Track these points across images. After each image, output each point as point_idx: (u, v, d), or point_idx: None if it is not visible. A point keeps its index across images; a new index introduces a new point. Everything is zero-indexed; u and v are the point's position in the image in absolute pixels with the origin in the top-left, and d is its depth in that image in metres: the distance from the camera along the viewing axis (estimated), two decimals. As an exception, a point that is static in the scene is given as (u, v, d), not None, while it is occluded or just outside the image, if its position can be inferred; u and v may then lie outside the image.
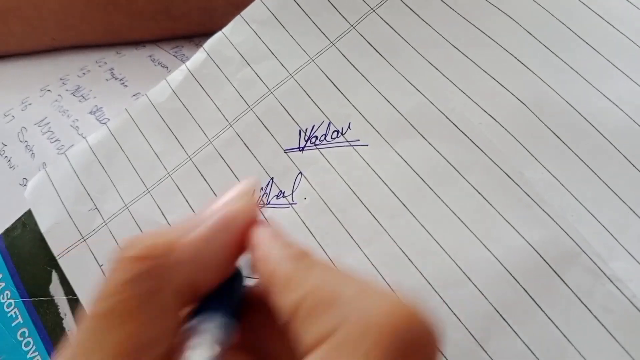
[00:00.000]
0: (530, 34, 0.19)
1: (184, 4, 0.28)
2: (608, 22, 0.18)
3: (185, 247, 0.12)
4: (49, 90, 0.28)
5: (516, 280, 0.16)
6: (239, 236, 0.13)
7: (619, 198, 0.16)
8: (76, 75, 0.29)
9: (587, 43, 0.18)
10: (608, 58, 0.18)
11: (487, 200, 0.17)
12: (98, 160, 0.22)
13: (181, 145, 0.22)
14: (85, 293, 0.20)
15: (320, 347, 0.10)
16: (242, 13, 0.23)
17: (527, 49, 0.19)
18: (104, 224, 0.21)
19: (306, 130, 0.20)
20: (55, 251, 0.21)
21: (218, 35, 0.23)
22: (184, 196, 0.21)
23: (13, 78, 0.30)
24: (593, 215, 0.16)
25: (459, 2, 0.20)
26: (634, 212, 0.16)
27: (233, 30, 0.23)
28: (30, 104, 0.28)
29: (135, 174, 0.22)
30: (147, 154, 0.22)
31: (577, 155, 0.17)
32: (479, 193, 0.17)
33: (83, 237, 0.21)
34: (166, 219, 0.21)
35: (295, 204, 0.19)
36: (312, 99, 0.21)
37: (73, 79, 0.29)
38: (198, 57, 0.23)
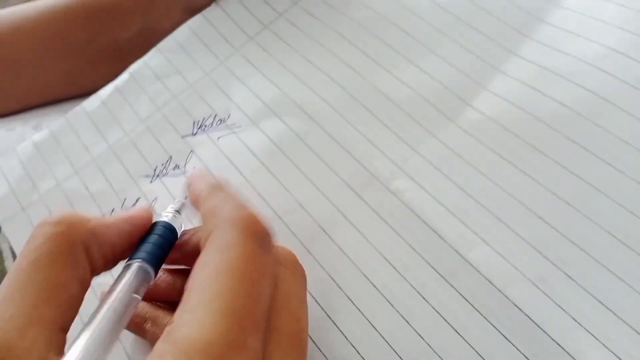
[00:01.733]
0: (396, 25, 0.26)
1: (129, 43, 0.35)
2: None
3: (97, 222, 0.17)
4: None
5: (330, 202, 0.22)
6: (139, 221, 0.18)
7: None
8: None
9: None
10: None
11: (326, 164, 0.24)
12: (40, 151, 0.28)
13: (105, 139, 0.28)
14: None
15: (206, 242, 0.16)
16: (158, 45, 0.31)
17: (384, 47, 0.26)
18: (40, 198, 0.27)
19: (198, 121, 0.27)
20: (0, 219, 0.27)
21: (139, 61, 0.30)
22: (105, 177, 0.27)
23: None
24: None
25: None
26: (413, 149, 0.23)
27: (151, 57, 0.30)
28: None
29: (67, 161, 0.28)
30: (78, 147, 0.28)
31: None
32: (320, 158, 0.24)
33: (23, 208, 0.27)
34: (91, 194, 0.27)
35: (186, 172, 0.26)
36: (204, 99, 0.27)
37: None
38: (124, 76, 0.30)
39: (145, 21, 0.33)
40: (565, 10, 0.26)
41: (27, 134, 0.30)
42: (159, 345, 0.13)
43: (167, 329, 0.14)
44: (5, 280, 0.15)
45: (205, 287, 0.14)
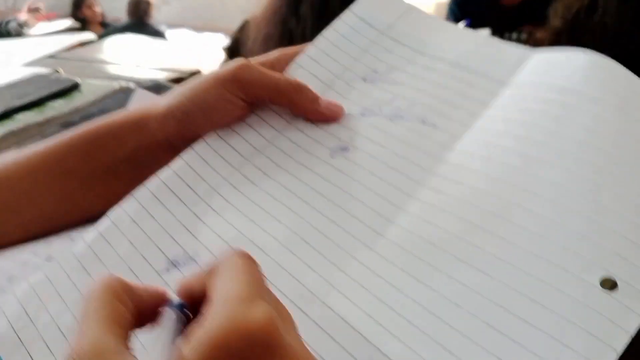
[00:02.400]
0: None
1: (123, 162, 0.40)
2: None
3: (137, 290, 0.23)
4: None
5: None
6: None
7: None
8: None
9: None
10: None
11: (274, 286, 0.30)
12: (34, 290, 0.34)
13: (92, 279, 0.34)
14: None
15: (192, 336, 0.19)
16: (133, 193, 0.37)
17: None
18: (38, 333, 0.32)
19: (171, 259, 0.33)
20: None
21: (117, 208, 0.37)
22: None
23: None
24: None
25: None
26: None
27: (127, 204, 0.37)
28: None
29: (59, 298, 0.33)
30: (69, 287, 0.34)
31: None
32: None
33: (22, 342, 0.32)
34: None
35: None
36: (175, 241, 0.34)
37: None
38: (105, 222, 0.36)
39: (140, 138, 0.40)
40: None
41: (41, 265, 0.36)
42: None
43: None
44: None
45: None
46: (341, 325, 0.28)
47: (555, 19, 0.85)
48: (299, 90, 0.39)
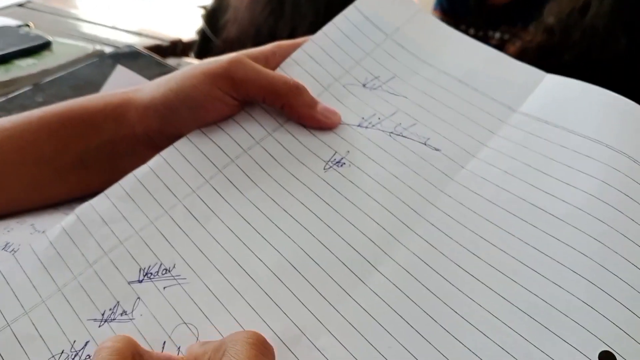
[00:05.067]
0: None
1: (97, 152, 0.37)
2: None
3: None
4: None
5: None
6: None
7: None
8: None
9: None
10: None
11: (261, 318, 0.28)
12: None
13: (54, 281, 0.31)
14: None
15: None
16: (105, 191, 0.34)
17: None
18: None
19: (144, 268, 0.31)
20: None
21: (86, 204, 0.34)
22: (55, 319, 0.29)
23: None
24: None
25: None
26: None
27: (97, 201, 0.34)
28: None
29: (16, 301, 0.30)
30: (28, 288, 0.31)
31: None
32: (256, 312, 0.28)
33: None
34: (40, 335, 0.29)
35: (134, 319, 0.29)
36: (149, 247, 0.31)
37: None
38: (70, 218, 0.33)
39: (117, 129, 0.37)
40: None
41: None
42: None
43: None
44: None
45: None
46: None
47: (550, 16, 0.85)
48: (297, 92, 0.36)
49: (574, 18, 0.81)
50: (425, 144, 0.34)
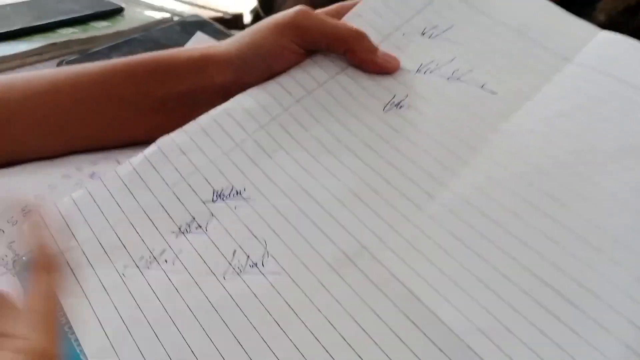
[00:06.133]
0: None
1: (177, 100, 0.40)
2: None
3: None
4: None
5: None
6: None
7: None
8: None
9: None
10: None
11: (324, 233, 0.31)
12: (77, 206, 0.34)
13: (136, 199, 0.34)
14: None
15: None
16: (183, 127, 0.37)
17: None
18: (78, 246, 0.32)
19: (217, 191, 0.34)
20: None
21: (166, 137, 0.37)
22: (136, 231, 0.33)
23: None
24: None
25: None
26: None
27: (176, 135, 0.37)
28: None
29: (102, 216, 0.34)
30: (112, 205, 0.34)
31: None
32: (318, 227, 0.31)
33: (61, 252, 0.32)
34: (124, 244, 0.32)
35: (208, 232, 0.32)
36: (222, 174, 0.34)
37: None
38: (152, 148, 0.36)
39: (198, 79, 0.40)
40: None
41: (83, 181, 0.37)
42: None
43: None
44: None
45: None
46: (392, 282, 0.28)
47: (601, 14, 0.84)
48: (358, 37, 0.38)
49: (625, 17, 0.80)
50: (482, 88, 0.36)
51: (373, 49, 0.38)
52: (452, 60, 0.38)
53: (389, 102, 0.36)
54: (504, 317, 0.26)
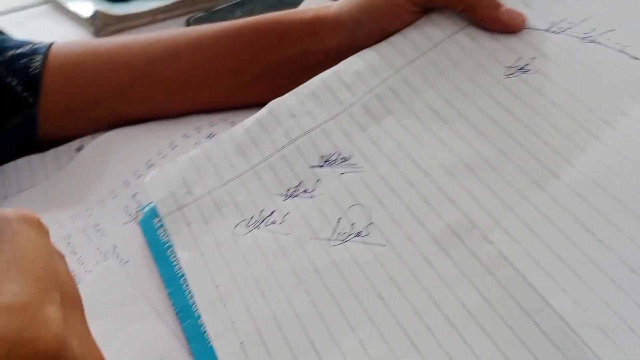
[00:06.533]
0: None
1: (291, 63, 0.40)
2: None
3: None
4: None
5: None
6: None
7: None
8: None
9: None
10: None
11: (433, 209, 0.29)
12: (194, 164, 0.36)
13: (247, 161, 0.35)
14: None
15: None
16: (294, 90, 0.37)
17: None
18: (194, 201, 0.34)
19: (324, 156, 0.33)
20: None
21: (278, 100, 0.37)
22: (247, 191, 0.34)
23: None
24: None
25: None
26: None
27: (287, 98, 0.37)
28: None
29: (216, 175, 0.35)
30: (226, 165, 0.35)
31: None
32: (428, 203, 0.30)
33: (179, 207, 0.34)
34: (235, 203, 0.33)
35: (314, 197, 0.32)
36: (330, 139, 0.34)
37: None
38: (263, 111, 0.37)
39: (310, 43, 0.40)
40: None
41: (201, 141, 0.39)
42: None
43: None
44: None
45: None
46: (502, 264, 0.26)
47: None
48: None
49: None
50: (622, 52, 0.31)
51: (496, 5, 0.35)
52: (588, 18, 0.33)
53: (513, 65, 0.33)
54: (628, 316, 0.23)
